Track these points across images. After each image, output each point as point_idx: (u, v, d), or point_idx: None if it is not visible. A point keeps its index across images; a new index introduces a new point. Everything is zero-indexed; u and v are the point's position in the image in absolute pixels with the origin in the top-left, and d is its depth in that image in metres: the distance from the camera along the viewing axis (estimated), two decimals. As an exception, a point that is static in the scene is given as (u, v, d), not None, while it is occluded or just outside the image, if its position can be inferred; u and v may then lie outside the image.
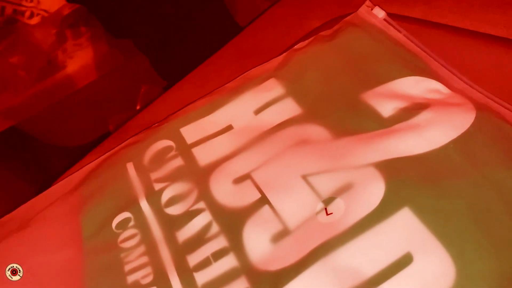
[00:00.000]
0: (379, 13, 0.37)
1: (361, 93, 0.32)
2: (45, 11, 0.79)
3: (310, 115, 0.33)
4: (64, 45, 0.76)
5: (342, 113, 0.32)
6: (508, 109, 0.29)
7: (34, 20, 0.78)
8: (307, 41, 0.39)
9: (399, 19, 0.37)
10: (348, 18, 0.39)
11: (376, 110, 0.30)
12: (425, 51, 0.34)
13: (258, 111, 0.35)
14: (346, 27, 0.37)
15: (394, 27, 0.36)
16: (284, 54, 0.39)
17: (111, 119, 0.75)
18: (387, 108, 0.30)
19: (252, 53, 0.43)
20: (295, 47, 0.39)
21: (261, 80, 0.37)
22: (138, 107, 0.76)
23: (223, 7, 0.62)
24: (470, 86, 0.31)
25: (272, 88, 0.36)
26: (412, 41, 0.35)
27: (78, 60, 0.74)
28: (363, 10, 0.38)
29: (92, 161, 0.37)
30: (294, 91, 0.35)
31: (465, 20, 0.34)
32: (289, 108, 0.34)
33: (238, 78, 0.39)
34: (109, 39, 0.72)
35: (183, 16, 0.58)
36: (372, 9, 0.38)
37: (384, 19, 0.37)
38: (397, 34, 0.35)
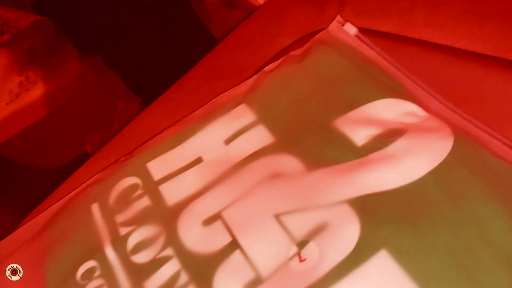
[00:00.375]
0: (351, 29, 0.35)
1: (334, 119, 0.30)
2: (16, 28, 0.76)
3: (282, 144, 0.31)
4: (35, 65, 0.74)
5: (315, 142, 0.30)
6: (486, 132, 0.27)
7: (3, 39, 0.75)
8: (277, 62, 0.37)
9: (372, 35, 0.36)
10: (318, 35, 0.37)
11: (349, 138, 0.29)
12: (399, 70, 0.32)
13: (228, 141, 0.33)
14: (316, 46, 0.36)
15: (366, 44, 0.34)
16: (255, 76, 0.37)
17: (88, 139, 0.73)
18: (360, 136, 0.29)
19: (224, 73, 0.42)
20: (266, 68, 0.37)
21: (231, 106, 0.35)
22: (115, 125, 0.74)
23: (197, 21, 0.60)
24: (447, 107, 0.29)
25: (243, 115, 0.34)
26: (385, 59, 0.33)
27: (51, 80, 0.72)
28: (334, 26, 0.37)
29: (57, 201, 0.35)
30: (265, 118, 0.33)
31: (440, 35, 0.33)
32: (260, 137, 0.32)
33: (208, 104, 0.37)
34: (81, 56, 0.70)
35: (156, 31, 0.56)
36: (343, 25, 0.36)
37: (356, 36, 0.35)
38: (370, 52, 0.34)
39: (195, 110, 0.37)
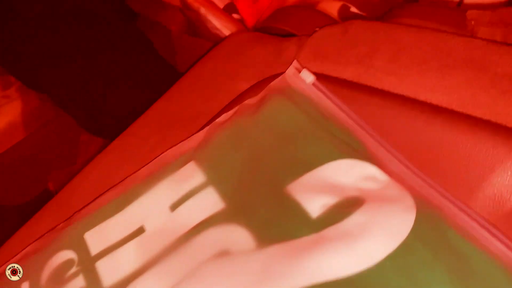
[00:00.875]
0: (308, 77, 0.33)
1: (288, 184, 0.27)
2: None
3: (233, 212, 0.28)
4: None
5: (267, 211, 0.27)
6: (451, 201, 0.24)
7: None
8: (231, 112, 0.34)
9: (330, 82, 0.33)
10: (274, 83, 0.34)
11: (304, 209, 0.26)
12: (359, 125, 0.29)
13: (174, 206, 0.30)
14: (271, 95, 0.33)
15: (324, 93, 0.32)
16: (206, 129, 0.34)
17: (50, 176, 0.69)
18: (316, 205, 0.26)
19: (177, 120, 0.39)
20: (218, 119, 0.34)
21: (179, 164, 0.32)
22: (79, 160, 0.70)
23: (154, 53, 0.57)
24: (410, 170, 0.27)
25: (191, 175, 0.31)
26: (344, 112, 0.30)
27: (8, 114, 0.68)
28: (290, 72, 0.34)
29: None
30: (215, 179, 0.30)
31: (402, 85, 0.30)
32: (209, 202, 0.29)
33: (154, 161, 0.34)
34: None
35: (106, 65, 0.52)
36: (300, 71, 0.33)
37: (313, 84, 0.33)
38: (328, 103, 0.31)
39: (141, 168, 0.33)
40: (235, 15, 0.65)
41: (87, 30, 0.51)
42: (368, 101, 0.30)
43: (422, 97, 0.29)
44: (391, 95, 0.30)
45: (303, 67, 0.34)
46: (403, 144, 0.28)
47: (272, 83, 0.34)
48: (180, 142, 0.34)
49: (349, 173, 0.27)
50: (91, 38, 0.51)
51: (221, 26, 0.59)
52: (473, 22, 0.33)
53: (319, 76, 0.33)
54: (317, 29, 0.38)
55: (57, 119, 0.66)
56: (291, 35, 0.42)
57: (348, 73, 0.33)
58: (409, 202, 0.25)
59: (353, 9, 0.54)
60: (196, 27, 0.63)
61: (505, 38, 0.32)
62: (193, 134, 0.34)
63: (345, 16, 0.54)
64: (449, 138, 0.27)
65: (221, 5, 0.65)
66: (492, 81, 0.27)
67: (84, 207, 0.33)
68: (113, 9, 0.56)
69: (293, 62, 0.34)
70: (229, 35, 0.44)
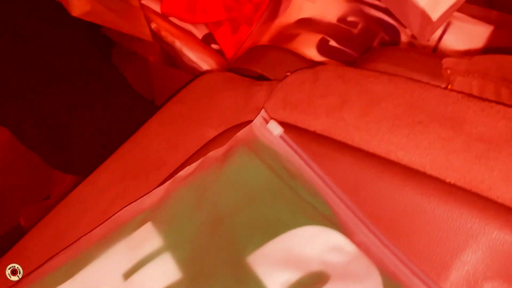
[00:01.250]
0: (275, 129, 0.31)
1: (249, 254, 0.25)
2: None
3: (189, 284, 0.26)
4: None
5: (225, 287, 0.25)
6: (420, 279, 0.22)
7: None
8: (194, 165, 0.32)
9: (299, 134, 0.31)
10: (241, 133, 0.32)
11: (264, 286, 0.24)
12: (327, 185, 0.27)
13: (128, 274, 0.27)
14: (237, 148, 0.31)
15: (292, 148, 0.30)
16: (167, 184, 0.32)
17: (22, 211, 0.66)
18: (276, 282, 0.24)
19: (140, 169, 0.36)
20: (180, 174, 0.32)
21: (135, 225, 0.30)
22: (52, 195, 0.67)
23: (129, 88, 0.55)
24: (379, 240, 0.25)
25: (147, 239, 0.28)
26: (312, 170, 0.28)
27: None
28: (258, 122, 0.32)
29: None
30: (172, 244, 0.28)
31: (373, 141, 0.28)
32: (165, 271, 0.27)
33: (110, 219, 0.31)
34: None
35: (75, 101, 0.50)
36: (268, 122, 0.31)
37: (281, 136, 0.31)
38: (295, 159, 0.29)
39: (95, 228, 0.31)
40: (214, 46, 0.64)
41: (53, 61, 0.48)
42: (337, 158, 0.28)
43: (393, 156, 0.27)
44: (361, 153, 0.28)
45: (271, 117, 0.32)
46: (373, 209, 0.26)
47: (238, 134, 0.32)
48: (139, 198, 0.32)
49: (315, 243, 0.25)
50: (57, 69, 0.48)
51: (198, 59, 0.57)
52: (449, 71, 0.31)
53: (288, 127, 0.31)
54: (288, 73, 0.36)
55: (29, 153, 0.63)
56: (264, 77, 0.40)
57: (318, 125, 0.31)
58: (376, 280, 0.22)
59: (332, 43, 0.53)
60: (173, 58, 0.61)
61: (482, 89, 0.30)
62: (154, 188, 0.32)
63: (324, 49, 0.53)
64: (421, 206, 0.25)
65: (199, 35, 0.63)
66: (466, 143, 0.25)
67: (32, 272, 0.30)
68: (85, 39, 0.54)
69: (261, 112, 0.33)
70: (201, 75, 0.42)
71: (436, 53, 0.49)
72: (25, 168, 0.66)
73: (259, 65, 0.40)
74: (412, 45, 0.54)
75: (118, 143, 0.41)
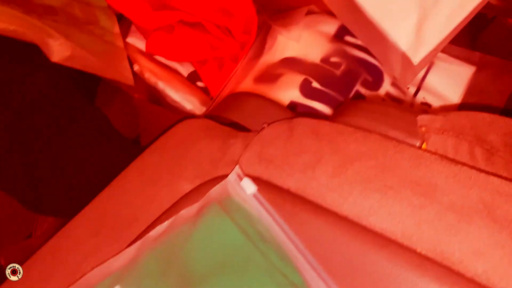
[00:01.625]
0: (249, 187, 0.30)
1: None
2: None
3: None
4: None
5: None
6: None
7: None
8: (166, 224, 0.31)
9: (273, 192, 0.30)
10: (215, 190, 0.32)
11: None
12: (300, 252, 0.27)
13: None
14: (210, 207, 0.30)
15: (265, 208, 0.29)
16: (137, 244, 0.31)
17: (2, 251, 0.64)
18: None
19: (112, 225, 0.35)
20: (151, 234, 0.31)
21: (104, 288, 0.29)
22: (35, 234, 0.66)
23: (111, 129, 0.54)
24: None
25: (114, 305, 0.28)
26: (285, 234, 0.28)
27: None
28: (232, 179, 0.31)
29: None
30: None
31: (344, 204, 0.28)
32: None
33: (80, 281, 0.30)
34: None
35: (58, 150, 0.49)
36: (242, 179, 0.31)
37: (254, 195, 0.30)
38: (268, 221, 0.28)
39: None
40: (199, 83, 0.64)
41: (32, 106, 0.48)
42: (310, 221, 0.28)
43: (365, 221, 0.26)
44: (334, 216, 0.27)
45: (246, 172, 0.32)
46: (344, 277, 0.25)
47: (212, 191, 0.32)
48: (109, 259, 0.31)
49: (283, 315, 0.24)
50: (36, 114, 0.48)
51: (181, 99, 0.57)
52: (423, 129, 0.31)
53: (263, 184, 0.31)
54: (265, 125, 0.36)
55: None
56: (242, 127, 0.39)
57: (292, 183, 0.30)
58: None
59: (315, 84, 0.53)
60: (157, 97, 0.61)
61: (456, 148, 0.30)
62: (125, 248, 0.32)
63: (307, 91, 0.53)
64: (392, 276, 0.24)
65: (185, 73, 0.63)
66: (437, 212, 0.24)
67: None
68: (67, 80, 0.53)
69: (236, 168, 0.32)
70: (180, 121, 0.42)
71: (413, 107, 0.49)
72: (5, 208, 0.65)
73: (237, 114, 0.40)
74: (395, 85, 0.54)
75: (100, 185, 0.41)
